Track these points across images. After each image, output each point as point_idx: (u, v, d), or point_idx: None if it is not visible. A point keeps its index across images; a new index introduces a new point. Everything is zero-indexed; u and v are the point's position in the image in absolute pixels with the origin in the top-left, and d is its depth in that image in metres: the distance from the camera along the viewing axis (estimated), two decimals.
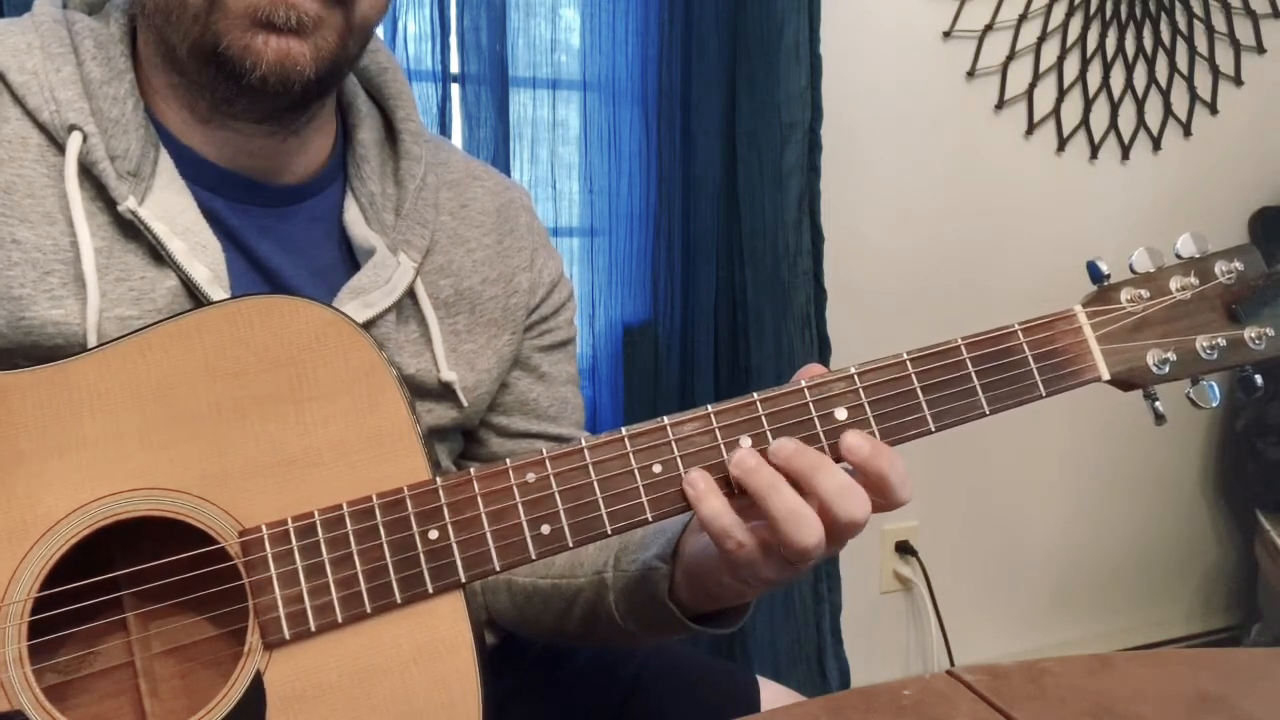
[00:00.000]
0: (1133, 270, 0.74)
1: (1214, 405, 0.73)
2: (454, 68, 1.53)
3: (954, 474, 2.10)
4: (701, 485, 0.65)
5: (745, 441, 0.67)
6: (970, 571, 2.19)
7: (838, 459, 0.66)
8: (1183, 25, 2.14)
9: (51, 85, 0.71)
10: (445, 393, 0.83)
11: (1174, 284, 0.74)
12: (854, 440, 0.66)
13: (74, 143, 0.71)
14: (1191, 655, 0.78)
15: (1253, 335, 0.73)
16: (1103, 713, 0.63)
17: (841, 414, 0.68)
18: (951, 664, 1.81)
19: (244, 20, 0.69)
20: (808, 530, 0.63)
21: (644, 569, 0.76)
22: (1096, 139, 2.12)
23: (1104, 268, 0.73)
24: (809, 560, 0.64)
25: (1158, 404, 0.74)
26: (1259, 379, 0.74)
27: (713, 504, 0.64)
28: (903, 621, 2.16)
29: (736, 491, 0.66)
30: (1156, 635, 2.39)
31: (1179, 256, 0.75)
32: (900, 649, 2.17)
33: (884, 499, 0.65)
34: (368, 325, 0.77)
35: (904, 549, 2.10)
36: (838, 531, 0.64)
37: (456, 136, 1.54)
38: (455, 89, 1.53)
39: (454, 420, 0.85)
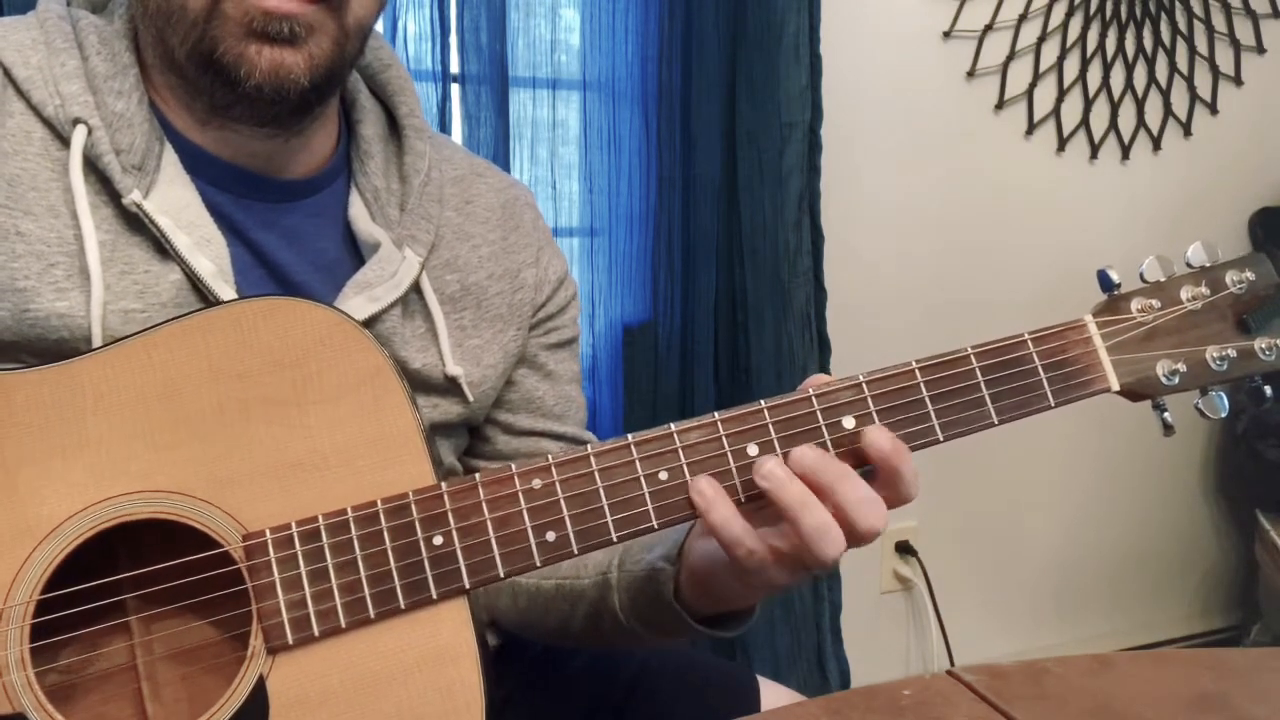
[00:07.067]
0: (1143, 279, 0.74)
1: (1223, 416, 0.73)
2: (454, 67, 1.52)
3: (954, 474, 2.10)
4: (709, 493, 0.65)
5: (752, 449, 0.66)
6: (970, 571, 2.19)
7: (850, 460, 0.67)
8: (1183, 25, 2.14)
9: (56, 79, 0.71)
10: (451, 388, 0.83)
11: (1185, 294, 0.73)
12: (877, 436, 0.66)
13: (79, 136, 0.71)
14: (1191, 655, 0.78)
15: (1263, 346, 0.73)
16: (1103, 713, 0.64)
17: (849, 423, 0.68)
18: (951, 664, 1.81)
19: (240, 29, 0.69)
20: (834, 544, 0.64)
21: (649, 569, 0.76)
22: (1096, 139, 2.12)
23: (1114, 276, 0.73)
24: (829, 569, 0.65)
25: (1166, 415, 0.74)
26: (1268, 390, 0.73)
27: (722, 511, 0.65)
28: (903, 621, 2.16)
29: (744, 499, 0.66)
30: (1156, 635, 2.39)
31: (1189, 265, 0.74)
32: (900, 649, 2.17)
33: (894, 496, 0.66)
34: (373, 320, 0.78)
35: (904, 549, 2.10)
36: (855, 539, 0.65)
37: (456, 136, 1.53)
38: (455, 89, 1.53)
39: (459, 415, 0.85)
